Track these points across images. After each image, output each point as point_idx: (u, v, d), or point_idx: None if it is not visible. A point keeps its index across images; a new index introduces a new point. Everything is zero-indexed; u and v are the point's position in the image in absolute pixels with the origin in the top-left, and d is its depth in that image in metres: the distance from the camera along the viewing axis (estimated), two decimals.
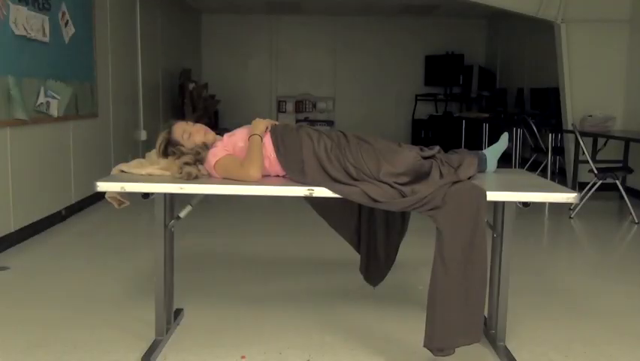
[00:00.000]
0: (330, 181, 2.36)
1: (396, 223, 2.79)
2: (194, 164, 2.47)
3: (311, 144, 2.45)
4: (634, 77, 6.59)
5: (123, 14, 6.56)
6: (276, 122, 2.63)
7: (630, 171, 5.73)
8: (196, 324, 2.84)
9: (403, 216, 2.78)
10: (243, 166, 2.41)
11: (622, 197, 5.55)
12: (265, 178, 2.47)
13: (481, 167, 2.61)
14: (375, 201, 2.28)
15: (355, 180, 2.37)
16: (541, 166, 7.57)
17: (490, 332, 2.68)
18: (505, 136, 2.70)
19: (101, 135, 5.92)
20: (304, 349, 2.58)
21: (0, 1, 3.92)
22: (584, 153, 5.59)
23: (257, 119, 2.59)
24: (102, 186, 2.33)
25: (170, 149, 2.56)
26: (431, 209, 2.25)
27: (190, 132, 2.58)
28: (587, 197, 5.54)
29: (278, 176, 2.52)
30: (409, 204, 2.27)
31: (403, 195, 2.29)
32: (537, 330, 2.84)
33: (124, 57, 6.57)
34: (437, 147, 2.56)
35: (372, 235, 2.84)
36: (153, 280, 2.55)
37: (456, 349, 2.32)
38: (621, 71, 6.72)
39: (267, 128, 2.55)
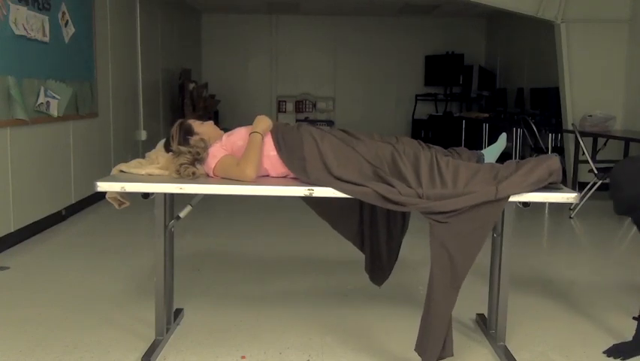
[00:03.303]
0: (337, 181, 2.31)
1: (397, 222, 2.78)
2: (192, 164, 2.45)
3: (314, 142, 2.41)
4: (634, 76, 6.59)
5: (123, 14, 6.56)
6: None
7: None
8: (196, 324, 2.84)
9: (404, 214, 2.76)
10: (239, 165, 2.39)
11: None
12: (265, 178, 2.46)
13: None
14: (388, 200, 2.24)
15: (368, 177, 2.32)
16: None
17: (490, 332, 2.68)
18: (503, 136, 2.69)
19: (101, 135, 5.92)
20: (304, 349, 2.58)
21: (0, 1, 3.92)
22: (584, 152, 5.59)
23: (261, 115, 2.52)
24: (102, 186, 2.33)
25: (169, 148, 2.54)
26: (436, 220, 2.22)
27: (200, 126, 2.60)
28: (587, 197, 5.54)
29: (278, 176, 2.51)
30: (423, 210, 2.24)
31: (419, 196, 2.24)
32: (537, 330, 2.84)
33: (124, 57, 6.57)
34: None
35: (374, 235, 2.83)
36: (153, 280, 2.55)
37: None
38: (621, 71, 6.72)
39: (269, 127, 2.50)
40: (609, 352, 2.58)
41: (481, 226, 2.23)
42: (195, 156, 2.46)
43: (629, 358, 2.53)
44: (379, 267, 2.89)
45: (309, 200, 2.69)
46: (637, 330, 2.55)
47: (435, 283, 2.23)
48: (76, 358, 2.48)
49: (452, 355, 2.29)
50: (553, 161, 2.29)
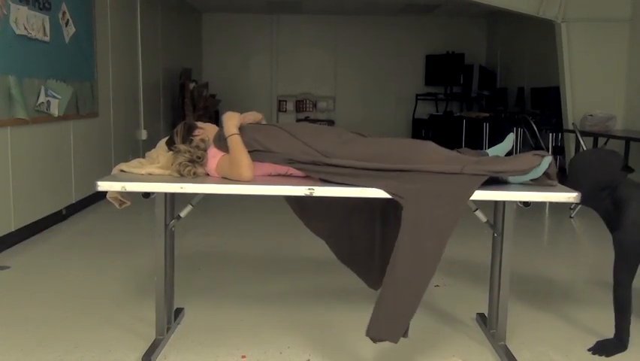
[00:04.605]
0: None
1: (395, 223, 2.77)
2: (192, 163, 2.45)
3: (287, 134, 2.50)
4: (634, 76, 6.59)
5: (123, 14, 6.56)
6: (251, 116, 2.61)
7: (631, 170, 5.72)
8: (196, 324, 2.84)
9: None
10: (232, 169, 2.40)
11: None
12: (264, 178, 2.46)
13: None
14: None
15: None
16: None
17: (491, 332, 2.68)
18: (510, 137, 2.66)
19: (102, 135, 5.92)
20: (304, 349, 2.58)
21: (1, 0, 3.92)
22: None
23: (226, 114, 2.51)
24: (103, 185, 2.33)
25: (173, 146, 2.54)
26: (404, 196, 2.22)
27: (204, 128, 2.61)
28: None
29: (279, 175, 2.51)
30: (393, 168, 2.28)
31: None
32: (537, 330, 2.84)
33: (124, 56, 6.57)
34: None
35: (374, 238, 2.82)
36: (154, 279, 2.55)
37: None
38: (622, 70, 6.72)
39: (240, 123, 2.50)
40: (594, 349, 2.59)
41: (451, 201, 2.21)
42: (194, 159, 2.46)
43: (612, 355, 2.54)
44: (380, 268, 2.88)
45: (298, 212, 2.78)
46: (616, 327, 2.58)
47: (400, 264, 2.19)
48: (77, 357, 2.48)
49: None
50: (535, 158, 2.29)
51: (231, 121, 2.48)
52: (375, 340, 2.25)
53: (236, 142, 2.43)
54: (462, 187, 2.23)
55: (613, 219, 2.62)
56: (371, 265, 2.88)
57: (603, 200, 2.61)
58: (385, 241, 2.81)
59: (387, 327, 2.22)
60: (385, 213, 2.74)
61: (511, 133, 2.69)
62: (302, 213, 2.83)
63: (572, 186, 2.46)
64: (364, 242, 2.83)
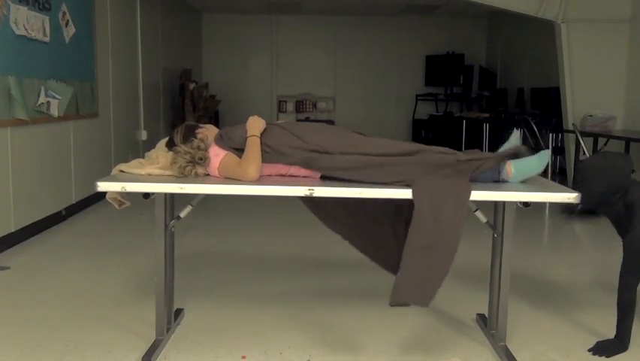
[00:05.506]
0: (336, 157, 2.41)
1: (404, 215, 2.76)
2: (192, 164, 2.45)
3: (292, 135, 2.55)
4: (634, 76, 6.59)
5: (123, 14, 6.56)
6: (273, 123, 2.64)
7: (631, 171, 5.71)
8: (196, 324, 2.84)
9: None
10: (240, 166, 2.41)
11: None
12: (265, 178, 2.46)
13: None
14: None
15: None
16: None
17: (491, 332, 2.68)
18: (515, 133, 2.65)
19: (102, 135, 5.92)
20: (304, 349, 2.58)
21: (0, 1, 3.92)
22: (584, 152, 5.59)
23: (254, 117, 2.57)
24: (102, 186, 2.33)
25: (174, 147, 2.54)
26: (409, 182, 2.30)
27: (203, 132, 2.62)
28: None
29: (280, 175, 2.51)
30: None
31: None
32: (537, 330, 2.84)
33: (124, 57, 6.57)
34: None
35: (392, 222, 2.82)
36: (154, 279, 2.55)
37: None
38: (622, 71, 6.72)
39: (264, 127, 2.55)
40: (594, 350, 2.59)
41: (451, 190, 2.29)
42: (196, 160, 2.46)
43: (612, 355, 2.54)
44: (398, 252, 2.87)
45: (315, 212, 2.80)
46: (618, 328, 2.58)
47: (420, 231, 2.27)
48: (77, 358, 2.48)
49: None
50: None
51: (258, 125, 2.53)
52: (400, 304, 2.33)
53: (255, 142, 2.47)
54: (463, 172, 2.37)
55: (624, 223, 2.61)
56: (392, 250, 2.85)
57: (614, 204, 2.60)
58: (403, 223, 2.80)
59: (414, 291, 2.28)
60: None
61: (516, 130, 2.69)
62: (319, 213, 2.83)
63: (585, 192, 2.46)
64: (382, 228, 2.81)
